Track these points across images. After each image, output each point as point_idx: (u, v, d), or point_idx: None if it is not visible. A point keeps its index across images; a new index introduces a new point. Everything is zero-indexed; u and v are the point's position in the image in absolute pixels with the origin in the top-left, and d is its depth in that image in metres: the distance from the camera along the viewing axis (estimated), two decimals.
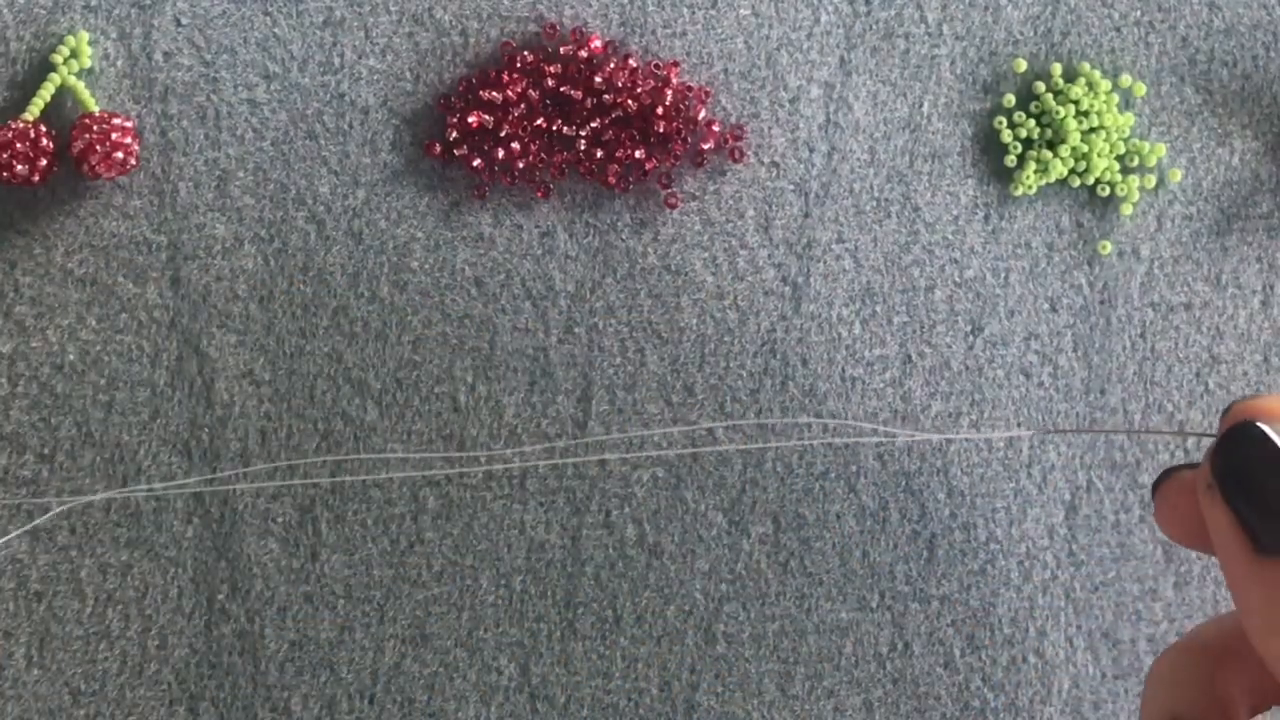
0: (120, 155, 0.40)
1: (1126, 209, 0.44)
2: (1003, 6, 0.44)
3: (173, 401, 0.41)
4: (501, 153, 0.42)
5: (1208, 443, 0.33)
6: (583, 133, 0.42)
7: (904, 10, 0.43)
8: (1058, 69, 0.44)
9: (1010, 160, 0.44)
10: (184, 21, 0.41)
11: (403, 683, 0.41)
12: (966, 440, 0.43)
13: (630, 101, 0.42)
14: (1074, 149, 0.43)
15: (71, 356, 0.41)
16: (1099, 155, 0.43)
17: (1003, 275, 0.43)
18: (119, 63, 0.41)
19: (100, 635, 0.41)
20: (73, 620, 0.41)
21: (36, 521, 0.40)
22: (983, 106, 0.44)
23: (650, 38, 0.43)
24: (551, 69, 0.42)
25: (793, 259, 0.43)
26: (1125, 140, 0.44)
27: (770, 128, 0.43)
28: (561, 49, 0.42)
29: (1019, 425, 0.43)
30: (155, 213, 0.41)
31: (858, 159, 0.43)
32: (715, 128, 0.42)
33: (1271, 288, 0.44)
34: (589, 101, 0.42)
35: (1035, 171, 0.43)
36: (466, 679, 0.42)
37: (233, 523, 0.41)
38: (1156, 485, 0.34)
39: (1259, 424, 0.31)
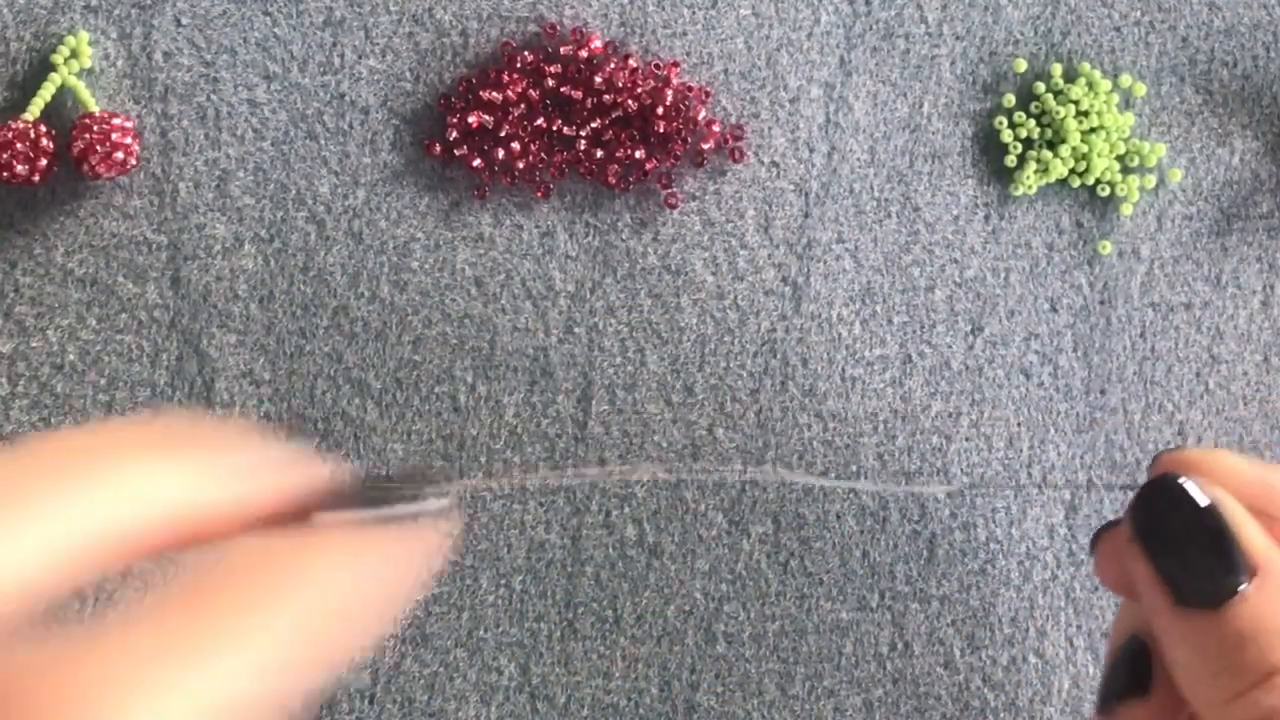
0: (120, 155, 0.40)
1: (1126, 209, 0.44)
2: (1003, 6, 0.44)
3: (173, 401, 0.41)
4: (502, 153, 0.42)
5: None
6: (583, 133, 0.42)
7: (904, 10, 0.43)
8: (1058, 69, 0.44)
9: (1010, 160, 0.44)
10: (184, 21, 0.41)
11: (403, 683, 0.41)
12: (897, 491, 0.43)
13: (630, 102, 0.42)
14: (1074, 149, 0.43)
15: (71, 356, 0.41)
16: (1099, 155, 0.43)
17: (1003, 275, 0.43)
18: (119, 63, 0.41)
19: None
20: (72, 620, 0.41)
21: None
22: (983, 106, 0.44)
23: (650, 38, 0.43)
24: (552, 69, 0.42)
25: (793, 259, 0.43)
26: (1125, 140, 0.44)
27: (770, 128, 0.43)
28: (562, 49, 0.42)
29: (1017, 424, 0.43)
30: (155, 213, 0.41)
31: (858, 159, 0.43)
32: (715, 128, 0.42)
33: (1271, 288, 0.44)
34: (589, 101, 0.42)
35: (1035, 171, 0.43)
36: (466, 679, 0.42)
37: None
38: (1094, 540, 0.34)
39: (1180, 479, 0.32)
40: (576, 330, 0.42)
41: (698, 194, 0.43)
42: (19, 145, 0.39)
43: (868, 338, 0.43)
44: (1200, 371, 0.43)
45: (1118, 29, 0.44)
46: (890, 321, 0.43)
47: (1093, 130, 0.43)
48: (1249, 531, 0.32)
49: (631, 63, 0.42)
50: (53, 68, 0.41)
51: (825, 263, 0.43)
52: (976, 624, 0.43)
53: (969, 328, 0.43)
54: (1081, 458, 0.43)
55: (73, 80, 0.41)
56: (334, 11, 0.42)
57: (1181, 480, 0.32)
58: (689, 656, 0.42)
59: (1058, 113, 0.43)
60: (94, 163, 0.39)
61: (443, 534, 0.27)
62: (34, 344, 0.41)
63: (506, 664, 0.42)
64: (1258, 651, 0.30)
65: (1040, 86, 0.43)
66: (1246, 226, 0.44)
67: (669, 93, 0.42)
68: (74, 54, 0.41)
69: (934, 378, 0.43)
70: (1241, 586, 0.31)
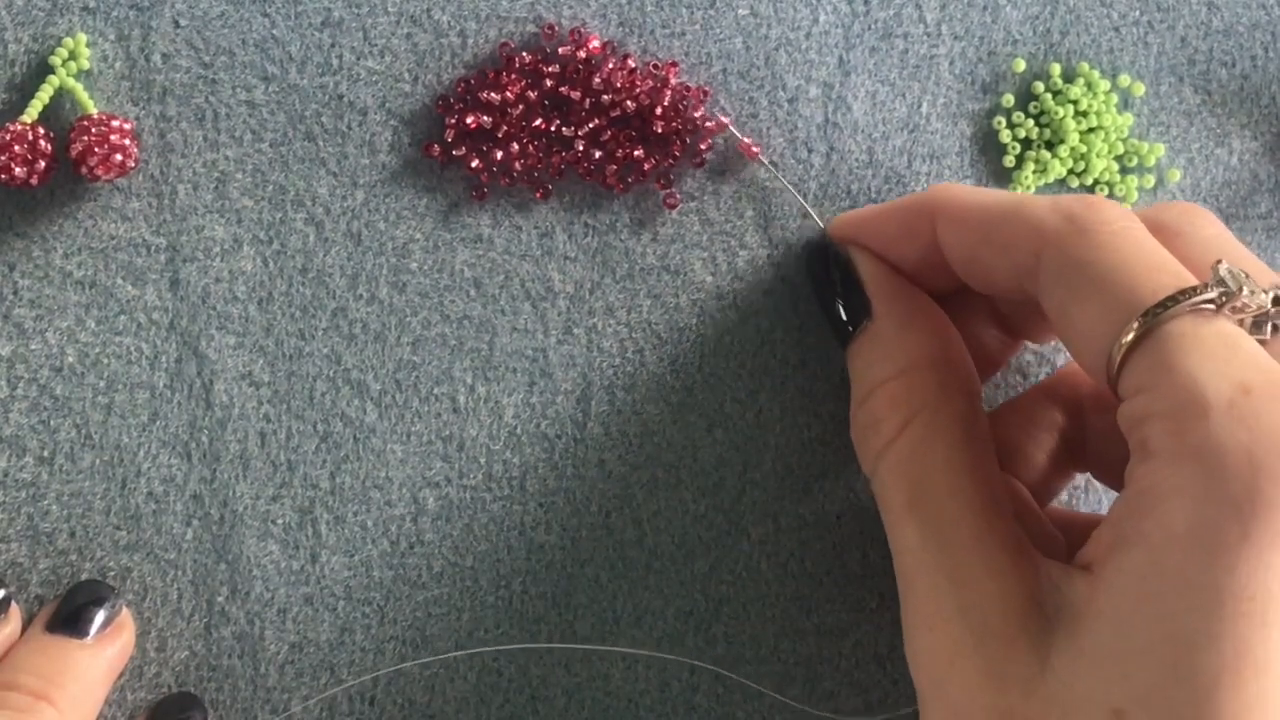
0: (119, 157, 0.40)
1: None
2: (1002, 6, 0.44)
3: (172, 403, 0.41)
4: (500, 154, 0.42)
5: None
6: (581, 133, 0.42)
7: (903, 10, 0.43)
8: (1056, 69, 0.44)
9: (1009, 160, 0.44)
10: (182, 23, 0.41)
11: (403, 684, 0.41)
12: None
13: (629, 102, 0.42)
14: (1073, 149, 0.43)
15: (70, 359, 0.41)
16: (1098, 155, 0.43)
17: None
18: (117, 64, 0.41)
19: None
20: None
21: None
22: (981, 107, 0.44)
23: (649, 38, 0.43)
24: (550, 70, 0.42)
25: (792, 259, 0.43)
26: (1124, 140, 0.44)
27: (769, 128, 0.43)
28: (560, 50, 0.42)
29: None
30: (154, 214, 0.41)
31: (856, 159, 0.43)
32: (712, 125, 0.42)
33: None
34: (587, 102, 0.42)
35: (1034, 172, 0.43)
36: (466, 680, 0.42)
37: (232, 525, 0.41)
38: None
39: (829, 242, 0.41)
40: (575, 331, 0.42)
41: (696, 194, 0.43)
42: (17, 148, 0.39)
43: None
44: None
45: (1116, 29, 0.44)
46: None
47: (1091, 130, 0.43)
48: (869, 283, 0.39)
49: (630, 63, 0.42)
50: (51, 70, 0.41)
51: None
52: None
53: None
54: None
55: (71, 82, 0.41)
56: (332, 12, 0.42)
57: (832, 244, 0.41)
58: (689, 658, 0.42)
59: (1056, 113, 0.43)
60: (93, 165, 0.39)
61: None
62: (33, 346, 0.41)
63: (506, 665, 0.42)
64: (862, 374, 0.38)
65: (1039, 86, 0.43)
66: (1245, 227, 0.44)
67: (667, 93, 0.42)
68: (72, 56, 0.41)
69: None
70: (860, 324, 0.39)
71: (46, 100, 0.41)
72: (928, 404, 0.36)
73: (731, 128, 0.42)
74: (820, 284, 0.41)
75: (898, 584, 0.35)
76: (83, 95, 0.41)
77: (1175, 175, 0.44)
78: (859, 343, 0.39)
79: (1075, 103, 0.43)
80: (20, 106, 0.41)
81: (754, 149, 0.42)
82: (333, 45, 0.42)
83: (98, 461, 0.41)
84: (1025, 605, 0.32)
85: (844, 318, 0.39)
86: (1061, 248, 0.33)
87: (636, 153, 0.42)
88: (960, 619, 0.33)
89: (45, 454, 0.41)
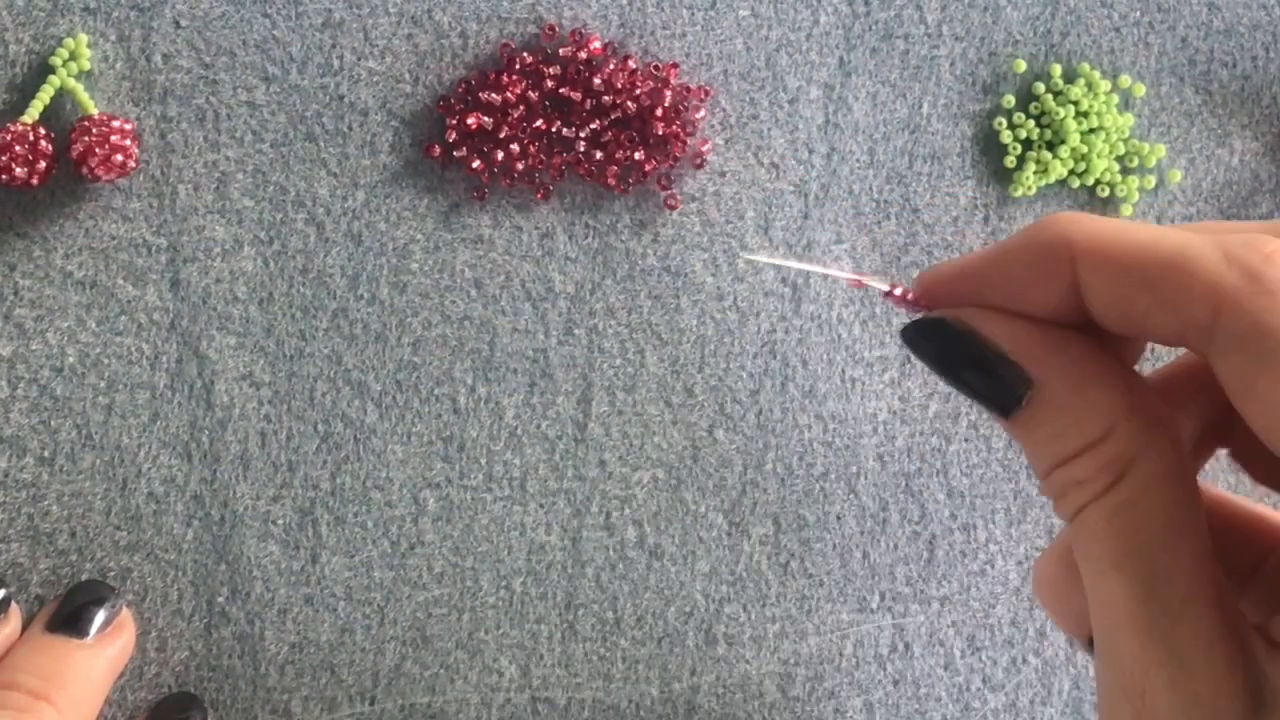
0: (120, 157, 0.40)
1: (1126, 210, 0.44)
2: (1002, 7, 0.44)
3: (173, 404, 0.41)
4: (501, 154, 0.42)
5: None
6: (582, 134, 0.42)
7: (903, 11, 0.43)
8: (1057, 70, 0.44)
9: (1010, 161, 0.44)
10: (183, 24, 0.41)
11: (403, 684, 0.41)
12: None
13: (629, 103, 0.42)
14: (1074, 150, 0.43)
15: (71, 359, 0.41)
16: (1099, 156, 0.43)
17: None
18: (118, 65, 0.41)
19: None
20: None
21: None
22: (982, 107, 0.44)
23: (649, 39, 0.43)
24: (551, 70, 0.42)
25: (792, 260, 0.43)
26: (1125, 141, 0.44)
27: (770, 129, 0.43)
28: (561, 50, 0.42)
29: None
30: (155, 215, 0.41)
31: (857, 160, 0.43)
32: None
33: None
34: (588, 103, 0.42)
35: (1035, 172, 0.43)
36: (467, 680, 0.42)
37: (233, 525, 0.41)
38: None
39: (938, 316, 0.34)
40: (576, 332, 0.42)
41: (697, 195, 0.43)
42: (18, 148, 0.39)
43: (867, 338, 0.43)
44: None
45: (1117, 29, 0.44)
46: (890, 322, 0.43)
47: (1092, 131, 0.43)
48: (1016, 349, 0.34)
49: (630, 64, 0.42)
50: (51, 70, 0.41)
51: (824, 263, 0.43)
52: (976, 625, 0.43)
53: None
54: None
55: (71, 83, 0.41)
56: (333, 13, 0.42)
57: (938, 316, 0.35)
58: (689, 658, 0.42)
59: (1057, 113, 0.43)
60: (93, 165, 0.39)
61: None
62: (34, 346, 0.41)
63: (507, 665, 0.42)
64: (1046, 446, 0.33)
65: (1040, 87, 0.43)
66: None
67: (668, 94, 0.42)
68: (73, 56, 0.41)
69: (933, 378, 0.43)
70: (1023, 397, 0.33)
71: (47, 100, 0.41)
72: (1137, 461, 0.32)
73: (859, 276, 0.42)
74: (952, 366, 0.35)
75: (1095, 641, 0.34)
76: (83, 96, 0.41)
77: (1176, 176, 0.44)
78: (1030, 415, 0.34)
79: (1076, 103, 0.43)
80: (21, 107, 0.41)
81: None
82: (334, 46, 0.42)
83: (98, 462, 0.41)
84: (1236, 681, 0.31)
85: (997, 397, 0.34)
86: (1244, 311, 0.31)
87: (637, 155, 0.42)
88: (1170, 693, 0.31)
89: (46, 454, 0.41)
